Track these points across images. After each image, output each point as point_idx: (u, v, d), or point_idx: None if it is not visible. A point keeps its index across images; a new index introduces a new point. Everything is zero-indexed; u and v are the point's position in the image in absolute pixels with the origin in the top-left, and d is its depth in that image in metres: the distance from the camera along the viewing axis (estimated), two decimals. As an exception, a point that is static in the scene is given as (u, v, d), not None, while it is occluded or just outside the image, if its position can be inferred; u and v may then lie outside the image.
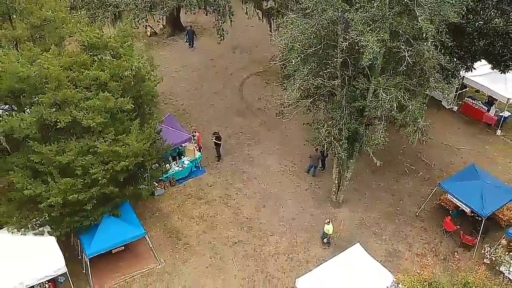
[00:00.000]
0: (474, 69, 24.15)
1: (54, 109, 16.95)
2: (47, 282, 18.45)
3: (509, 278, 20.08)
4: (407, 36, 16.41)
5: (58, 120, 16.81)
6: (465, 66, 23.18)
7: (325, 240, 21.43)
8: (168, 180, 24.24)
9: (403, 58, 16.43)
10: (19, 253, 18.26)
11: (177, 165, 24.67)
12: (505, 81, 26.59)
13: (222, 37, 27.81)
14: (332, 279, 17.15)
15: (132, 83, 18.80)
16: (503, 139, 27.65)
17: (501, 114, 28.00)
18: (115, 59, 18.24)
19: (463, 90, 29.51)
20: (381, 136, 17.49)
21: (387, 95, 16.57)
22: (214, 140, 25.80)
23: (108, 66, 17.57)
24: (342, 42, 16.21)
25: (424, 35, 15.96)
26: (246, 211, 23.35)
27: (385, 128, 17.71)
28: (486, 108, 28.48)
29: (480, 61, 23.80)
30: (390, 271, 18.20)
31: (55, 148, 17.21)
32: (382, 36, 15.59)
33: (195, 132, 26.15)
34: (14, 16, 17.34)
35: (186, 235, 22.14)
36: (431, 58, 17.02)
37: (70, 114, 16.93)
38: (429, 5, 15.54)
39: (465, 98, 29.40)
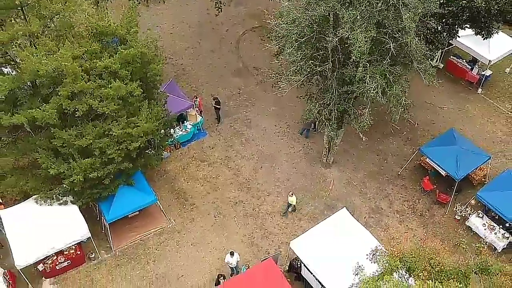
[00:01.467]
0: (459, 36, 25.59)
1: (72, 99, 18.65)
2: (74, 245, 21.18)
3: (475, 232, 23.04)
4: (392, 29, 17.90)
5: (76, 109, 18.61)
6: (450, 34, 24.64)
7: (289, 209, 23.68)
8: (173, 144, 26.37)
9: (388, 49, 18.07)
10: (48, 221, 20.81)
11: (180, 129, 26.68)
12: (488, 44, 28.05)
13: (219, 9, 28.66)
14: (321, 241, 19.92)
15: (139, 65, 20.36)
16: (483, 98, 29.61)
17: (483, 73, 29.72)
18: (124, 47, 19.62)
19: (449, 47, 30.96)
20: (367, 119, 19.48)
21: (372, 82, 18.35)
22: (214, 105, 27.63)
23: (119, 56, 19.04)
24: (333, 38, 17.71)
25: (407, 29, 17.46)
26: (245, 173, 25.79)
27: (370, 112, 19.68)
28: (470, 67, 30.15)
29: (464, 30, 25.18)
30: (373, 234, 20.92)
31: (74, 133, 19.17)
32: (370, 33, 17.12)
33: (196, 97, 27.90)
34: (26, 11, 18.42)
35: (192, 196, 24.70)
36: (415, 48, 18.60)
37: (87, 102, 18.70)
38: (413, 4, 16.93)
39: (451, 56, 30.94)
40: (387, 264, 15.24)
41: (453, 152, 23.55)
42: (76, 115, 18.78)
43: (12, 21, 18.74)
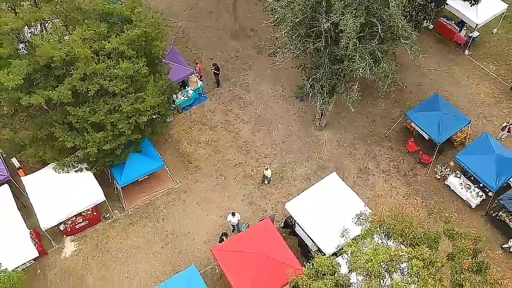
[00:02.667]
0: (447, 4, 26.76)
1: (84, 80, 20.24)
2: (92, 212, 23.56)
3: (453, 191, 25.44)
4: (380, 14, 19.26)
5: (88, 89, 20.26)
6: (437, 4, 25.86)
7: (266, 181, 25.61)
8: (176, 109, 28.12)
9: (377, 31, 19.54)
10: (66, 187, 23.03)
11: (182, 95, 28.32)
12: (476, 8, 29.17)
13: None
14: (313, 204, 22.30)
15: (143, 43, 21.76)
16: (470, 59, 31.07)
17: (470, 34, 31.00)
18: (128, 27, 20.94)
19: (440, 7, 31.97)
20: (356, 94, 21.22)
21: (361, 61, 19.94)
22: (213, 70, 29.10)
23: (125, 37, 20.41)
24: (325, 23, 19.08)
25: (394, 15, 18.84)
26: (244, 136, 27.77)
27: (358, 89, 21.38)
28: (458, 29, 31.37)
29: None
30: (360, 194, 23.29)
31: (87, 109, 20.93)
32: (359, 19, 18.52)
33: (196, 63, 29.30)
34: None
35: (195, 159, 26.83)
36: (401, 28, 20.02)
37: (98, 83, 20.31)
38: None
39: (440, 17, 32.04)
40: (368, 229, 17.59)
41: (436, 118, 25.45)
42: (88, 94, 20.43)
43: (23, 6, 19.87)
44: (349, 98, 21.67)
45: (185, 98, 28.38)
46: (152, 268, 23.32)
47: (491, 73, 30.29)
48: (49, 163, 23.48)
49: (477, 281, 16.80)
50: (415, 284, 15.58)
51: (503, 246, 23.41)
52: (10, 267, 20.53)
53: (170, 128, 27.54)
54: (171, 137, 27.55)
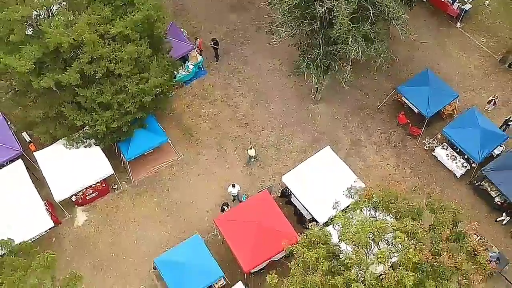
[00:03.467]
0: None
1: (91, 63, 21.38)
2: (101, 184, 25.19)
3: (440, 161, 27.04)
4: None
5: (95, 72, 21.44)
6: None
7: (251, 160, 26.83)
8: (177, 84, 29.26)
9: (369, 15, 20.59)
10: (77, 161, 24.57)
11: (183, 69, 29.40)
12: (468, -18, 29.93)
13: None
14: (308, 176, 23.92)
15: (146, 25, 22.76)
16: (461, 32, 31.96)
17: (462, 7, 31.79)
18: (131, 10, 21.89)
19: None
20: (349, 75, 22.44)
21: (354, 44, 21.08)
22: (212, 45, 30.06)
23: (129, 21, 21.40)
24: (319, 9, 20.06)
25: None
26: (242, 109, 29.08)
27: (351, 69, 22.57)
28: (451, 1, 32.11)
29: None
30: (351, 167, 24.91)
31: (95, 90, 22.18)
32: (352, 5, 19.54)
33: (196, 38, 30.23)
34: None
35: (196, 132, 28.24)
36: (392, 12, 21.03)
37: (104, 65, 21.47)
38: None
39: (434, -11, 32.73)
40: (357, 203, 19.24)
41: (425, 93, 26.74)
42: (96, 77, 21.63)
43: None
44: (343, 78, 22.88)
45: (186, 73, 29.48)
46: (159, 235, 25.18)
47: (481, 45, 31.29)
48: (59, 139, 24.89)
49: (455, 249, 18.65)
50: (398, 253, 17.37)
51: (497, 219, 24.98)
52: (27, 237, 22.41)
53: (172, 102, 28.76)
54: (173, 111, 28.84)
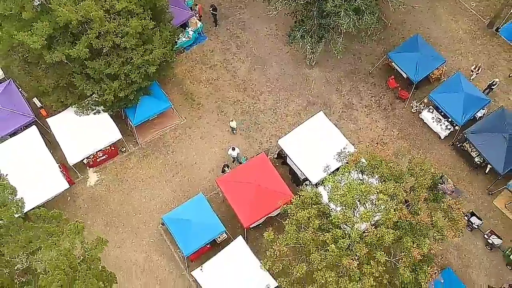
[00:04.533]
0: None
1: (98, 38, 22.75)
2: (110, 147, 27.11)
3: (426, 123, 28.89)
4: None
5: (103, 46, 22.86)
6: None
7: (234, 131, 28.36)
8: (178, 50, 30.58)
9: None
10: (87, 127, 26.38)
11: (183, 36, 30.64)
12: None
13: None
14: (302, 141, 25.83)
15: (149, -1, 23.99)
16: (452, -6, 32.97)
17: (454, -30, 32.62)
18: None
19: None
20: (340, 47, 23.86)
21: (346, 18, 22.43)
22: (211, 11, 31.13)
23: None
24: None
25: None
26: (241, 74, 30.58)
27: (343, 41, 23.95)
28: (443, -35, 32.89)
29: None
30: (343, 131, 26.79)
31: (103, 62, 23.67)
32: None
33: (196, 5, 31.24)
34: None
35: (198, 97, 29.88)
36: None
37: (111, 39, 22.86)
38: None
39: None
40: (345, 167, 21.27)
41: (414, 58, 28.20)
42: (103, 50, 23.07)
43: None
44: (335, 49, 24.32)
45: (186, 39, 30.74)
46: (165, 194, 27.40)
47: (471, 9, 32.37)
48: (69, 107, 26.60)
49: (433, 208, 20.88)
50: (380, 213, 19.59)
51: (485, 237, 26.48)
52: (45, 199, 24.61)
53: (173, 68, 30.17)
54: (175, 77, 30.33)
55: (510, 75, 29.80)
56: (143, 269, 25.52)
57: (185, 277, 25.22)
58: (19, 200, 14.97)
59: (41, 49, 22.44)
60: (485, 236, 25.58)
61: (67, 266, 13.29)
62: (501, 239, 25.39)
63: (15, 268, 14.22)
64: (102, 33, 22.59)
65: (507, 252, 25.14)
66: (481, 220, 25.87)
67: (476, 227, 25.80)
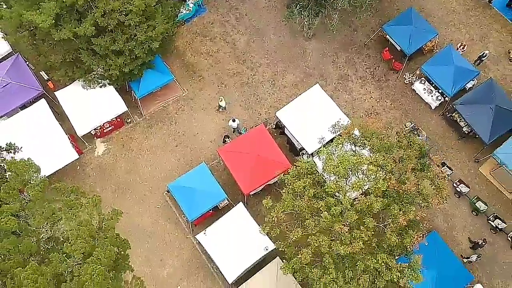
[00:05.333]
0: None
1: (104, 16, 23.71)
2: (116, 118, 28.45)
3: (418, 94, 30.16)
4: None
5: (108, 24, 23.86)
6: None
7: (220, 109, 29.39)
8: (179, 22, 31.44)
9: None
10: (94, 100, 27.64)
11: (184, 8, 31.41)
12: None
13: None
14: (299, 112, 27.17)
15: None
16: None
17: None
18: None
19: None
20: (336, 23, 24.82)
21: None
22: (210, -17, 31.85)
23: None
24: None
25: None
26: (240, 46, 31.57)
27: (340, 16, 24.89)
28: None
29: None
30: (338, 103, 28.08)
31: (108, 39, 24.71)
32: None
33: (195, -24, 31.91)
34: None
35: (199, 69, 30.98)
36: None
37: (116, 18, 23.83)
38: None
39: None
40: (338, 139, 22.73)
41: (407, 31, 29.18)
42: (108, 28, 24.08)
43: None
44: (331, 25, 25.31)
45: (187, 12, 31.53)
46: (170, 162, 28.96)
47: (465, -20, 33.03)
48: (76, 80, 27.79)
49: (420, 177, 22.46)
50: (370, 182, 21.20)
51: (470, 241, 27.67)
52: (56, 168, 26.17)
53: (174, 41, 31.12)
54: (176, 49, 31.32)
55: (511, 58, 30.57)
56: (150, 233, 27.37)
57: (189, 240, 27.10)
58: (42, 178, 16.46)
59: (49, 27, 23.40)
60: (454, 185, 27.37)
61: (87, 235, 14.98)
62: (468, 187, 27.28)
63: (41, 236, 15.94)
64: (107, 11, 23.53)
65: (473, 200, 27.11)
66: (469, 187, 27.54)
67: (464, 193, 27.48)
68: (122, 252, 17.38)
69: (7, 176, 19.23)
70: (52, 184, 17.53)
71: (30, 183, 15.88)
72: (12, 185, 15.75)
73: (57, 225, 16.04)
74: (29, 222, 15.70)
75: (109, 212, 17.48)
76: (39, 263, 14.93)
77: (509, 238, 26.73)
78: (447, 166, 27.80)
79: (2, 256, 15.37)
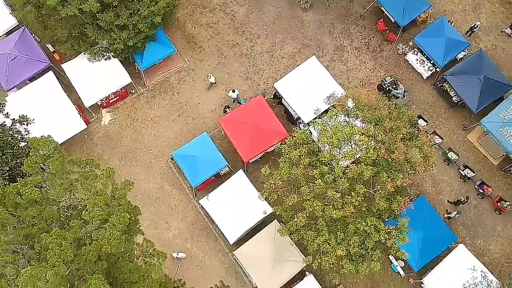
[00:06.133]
0: None
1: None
2: (121, 89, 29.74)
3: (411, 65, 31.31)
4: None
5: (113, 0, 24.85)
6: None
7: (212, 86, 30.47)
8: (179, -6, 32.25)
9: None
10: (99, 72, 28.84)
11: (184, -20, 32.17)
12: None
13: None
14: (296, 83, 28.45)
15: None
16: None
17: None
18: None
19: None
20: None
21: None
22: (210, -44, 32.41)
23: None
24: None
25: None
26: (239, 17, 32.47)
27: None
28: None
29: None
30: (334, 78, 29.29)
31: (112, 14, 25.72)
32: None
33: (194, -51, 32.43)
34: None
35: (199, 40, 32.00)
36: None
37: (119, -6, 24.80)
38: None
39: None
40: (332, 111, 24.15)
41: (401, 3, 30.06)
42: (112, 4, 25.07)
43: None
44: (327, 1, 26.25)
45: (187, -17, 32.29)
46: (173, 132, 30.43)
47: (460, -50, 33.54)
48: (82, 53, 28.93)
49: (409, 145, 24.00)
50: (361, 151, 22.74)
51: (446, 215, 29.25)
52: (65, 138, 27.66)
53: (175, 13, 31.98)
54: (177, 21, 32.23)
55: (502, 30, 31.51)
56: (156, 198, 29.16)
57: (193, 204, 28.91)
58: (60, 152, 17.97)
59: (56, 4, 24.38)
60: (429, 136, 28.85)
61: (103, 203, 16.60)
62: (442, 138, 29.15)
63: (61, 205, 17.57)
64: (111, -12, 24.46)
65: (445, 150, 28.95)
66: (458, 155, 29.14)
67: (453, 161, 29.10)
68: (133, 218, 19.08)
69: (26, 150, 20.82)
70: (69, 157, 19.02)
71: (50, 157, 17.43)
72: (34, 159, 17.29)
73: (74, 195, 17.71)
74: (49, 192, 17.31)
75: (121, 182, 19.11)
76: (60, 228, 16.64)
77: (476, 187, 28.75)
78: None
79: (27, 222, 17.11)
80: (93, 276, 15.44)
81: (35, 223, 16.99)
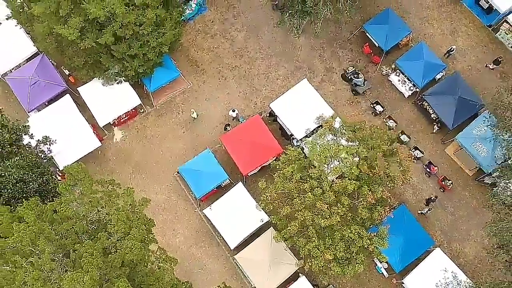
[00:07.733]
0: None
1: (122, 28, 27.80)
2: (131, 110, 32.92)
3: (394, 85, 34.53)
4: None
5: (125, 34, 27.98)
6: None
7: (194, 121, 33.75)
8: (183, 21, 35.34)
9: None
10: (112, 95, 32.00)
11: (187, 9, 35.28)
12: None
13: None
14: (290, 104, 31.65)
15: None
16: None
17: None
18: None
19: None
20: (319, 28, 28.97)
21: (324, 7, 27.44)
22: (210, -15, 35.60)
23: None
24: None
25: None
26: (238, 42, 35.64)
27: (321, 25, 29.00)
28: None
29: None
30: (324, 94, 32.49)
31: (125, 45, 28.89)
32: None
33: (196, -21, 35.63)
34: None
35: (201, 63, 35.16)
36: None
37: (132, 28, 27.91)
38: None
39: None
40: (321, 132, 27.31)
41: (384, 30, 33.29)
42: (125, 37, 28.25)
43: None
44: (315, 31, 29.50)
45: (190, 11, 35.42)
46: (178, 147, 33.59)
47: (441, -24, 36.74)
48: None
49: (389, 161, 27.18)
50: (346, 168, 25.90)
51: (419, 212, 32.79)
52: (82, 155, 30.79)
53: (180, 40, 35.06)
54: (181, 45, 35.37)
55: (486, 65, 34.54)
56: (164, 208, 32.32)
57: (197, 213, 32.09)
58: (89, 176, 21.11)
59: (75, 38, 27.53)
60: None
61: (125, 218, 19.71)
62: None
63: (88, 219, 20.71)
64: (124, 23, 27.60)
65: (398, 134, 32.51)
66: (409, 138, 32.86)
67: (405, 143, 32.51)
68: (148, 229, 22.23)
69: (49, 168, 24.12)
70: (94, 179, 22.19)
71: (81, 180, 20.59)
72: (68, 182, 20.45)
73: (99, 211, 20.84)
74: (79, 209, 20.46)
75: (139, 200, 22.28)
76: (89, 240, 19.77)
77: (424, 166, 32.41)
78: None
79: (60, 235, 20.23)
80: (119, 279, 18.57)
81: (68, 236, 20.12)
